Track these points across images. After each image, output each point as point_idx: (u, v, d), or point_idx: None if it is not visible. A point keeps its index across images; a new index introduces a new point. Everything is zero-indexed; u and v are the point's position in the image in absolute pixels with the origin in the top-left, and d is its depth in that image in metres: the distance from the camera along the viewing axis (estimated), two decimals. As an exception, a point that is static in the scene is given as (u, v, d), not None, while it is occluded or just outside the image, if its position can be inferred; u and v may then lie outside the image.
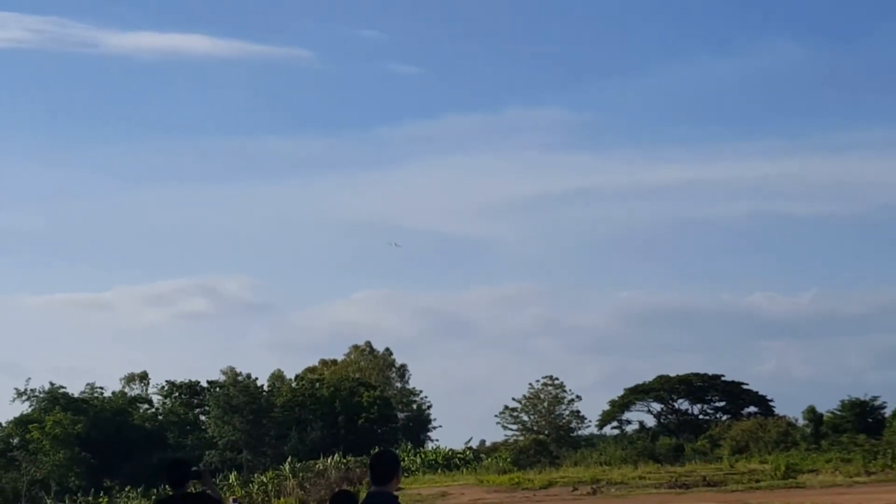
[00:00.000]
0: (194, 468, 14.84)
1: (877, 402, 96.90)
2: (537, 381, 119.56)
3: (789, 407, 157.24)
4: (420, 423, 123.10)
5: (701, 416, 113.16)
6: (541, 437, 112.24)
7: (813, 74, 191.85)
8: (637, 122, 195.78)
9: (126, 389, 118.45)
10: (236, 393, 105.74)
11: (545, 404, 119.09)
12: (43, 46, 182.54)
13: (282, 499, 73.37)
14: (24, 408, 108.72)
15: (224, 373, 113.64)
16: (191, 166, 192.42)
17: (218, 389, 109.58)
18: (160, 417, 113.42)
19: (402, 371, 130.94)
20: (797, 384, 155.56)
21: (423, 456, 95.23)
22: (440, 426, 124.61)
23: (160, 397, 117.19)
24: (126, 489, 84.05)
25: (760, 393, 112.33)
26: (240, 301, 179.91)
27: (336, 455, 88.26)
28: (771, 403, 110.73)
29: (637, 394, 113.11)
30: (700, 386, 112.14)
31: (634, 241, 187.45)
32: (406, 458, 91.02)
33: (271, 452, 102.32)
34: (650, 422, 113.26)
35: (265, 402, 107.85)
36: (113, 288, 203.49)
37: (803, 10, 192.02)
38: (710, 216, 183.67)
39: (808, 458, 77.76)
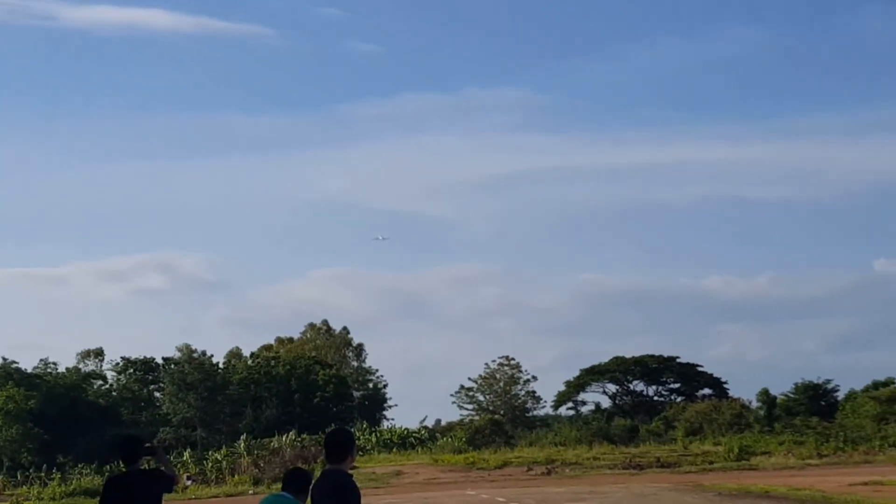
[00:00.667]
0: (148, 445, 14.71)
1: (830, 386, 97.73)
2: (493, 361, 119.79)
3: (743, 389, 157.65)
4: (376, 402, 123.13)
5: (656, 398, 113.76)
6: (496, 417, 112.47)
7: (772, 59, 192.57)
8: (597, 104, 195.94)
9: (81, 366, 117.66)
10: (191, 370, 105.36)
11: (501, 384, 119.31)
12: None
13: (236, 476, 73.17)
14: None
15: (179, 350, 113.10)
16: (148, 142, 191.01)
17: (173, 366, 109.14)
18: (114, 394, 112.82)
19: (359, 350, 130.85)
20: (752, 367, 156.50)
21: (378, 435, 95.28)
22: (396, 405, 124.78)
23: (115, 374, 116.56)
24: (79, 465, 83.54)
25: (715, 375, 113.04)
26: (197, 278, 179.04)
27: (291, 433, 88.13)
28: (725, 386, 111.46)
29: (593, 375, 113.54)
30: (655, 368, 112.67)
31: (593, 223, 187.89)
32: (361, 437, 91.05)
33: (226, 430, 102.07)
34: (605, 403, 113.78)
35: (220, 380, 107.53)
36: (69, 263, 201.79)
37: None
38: (668, 199, 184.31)
39: (761, 441, 78.33)
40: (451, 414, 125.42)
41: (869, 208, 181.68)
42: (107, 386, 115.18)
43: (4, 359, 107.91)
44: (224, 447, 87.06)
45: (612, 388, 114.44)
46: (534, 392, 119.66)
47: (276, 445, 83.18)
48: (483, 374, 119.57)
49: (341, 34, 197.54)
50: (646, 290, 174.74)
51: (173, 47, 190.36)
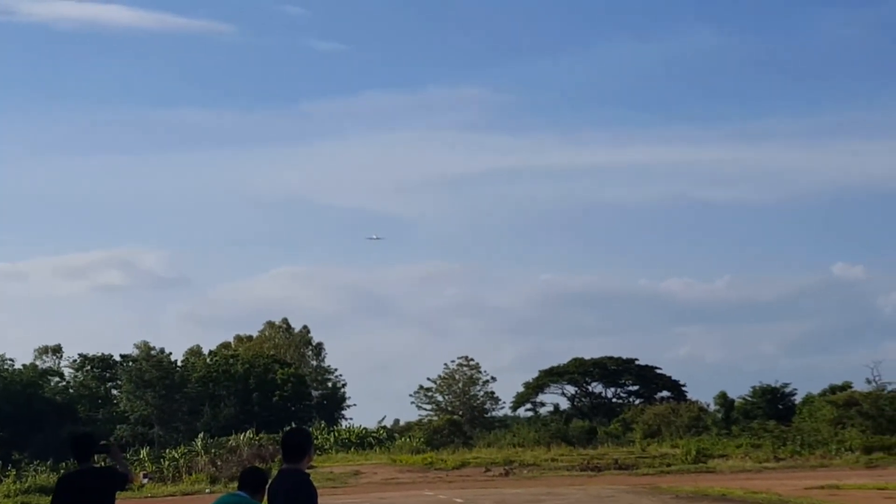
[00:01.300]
0: (103, 442, 14.55)
1: (787, 389, 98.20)
2: (453, 361, 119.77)
3: (701, 392, 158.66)
4: (334, 402, 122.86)
5: (614, 400, 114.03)
6: (455, 417, 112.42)
7: (731, 62, 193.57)
8: (557, 104, 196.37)
9: (38, 362, 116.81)
10: (149, 367, 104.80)
11: (460, 385, 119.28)
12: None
13: (193, 475, 72.76)
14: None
15: (138, 347, 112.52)
16: (109, 137, 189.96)
17: (131, 364, 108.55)
18: (71, 391, 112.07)
19: (318, 349, 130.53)
20: (710, 370, 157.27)
21: (336, 434, 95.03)
22: (354, 405, 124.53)
23: (72, 371, 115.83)
24: (35, 463, 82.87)
25: (673, 378, 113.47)
26: (156, 275, 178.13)
27: (249, 432, 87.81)
28: (683, 388, 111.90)
29: (552, 376, 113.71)
30: (614, 370, 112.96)
31: (553, 224, 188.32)
32: (319, 437, 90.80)
33: (184, 428, 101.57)
34: (564, 404, 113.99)
35: (179, 378, 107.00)
36: (27, 259, 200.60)
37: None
38: (628, 200, 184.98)
39: (718, 443, 78.60)
40: (409, 414, 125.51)
41: (827, 211, 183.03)
42: (64, 383, 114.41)
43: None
44: (181, 445, 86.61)
45: (570, 389, 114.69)
46: (492, 393, 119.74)
47: (233, 444, 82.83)
48: (442, 375, 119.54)
49: (303, 32, 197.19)
50: (605, 291, 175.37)
51: (133, 42, 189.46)
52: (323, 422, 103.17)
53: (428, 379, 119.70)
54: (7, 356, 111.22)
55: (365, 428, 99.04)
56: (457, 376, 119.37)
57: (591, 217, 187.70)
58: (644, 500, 46.19)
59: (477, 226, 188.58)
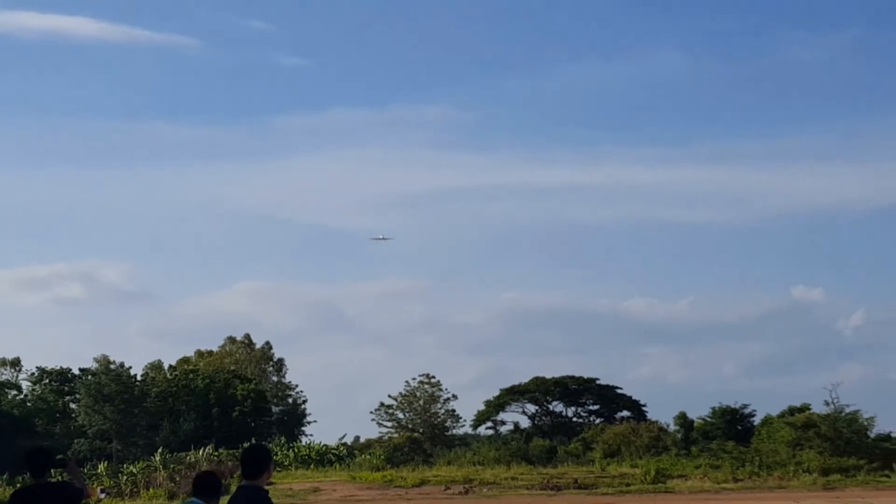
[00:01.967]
0: (60, 457, 14.42)
1: (747, 410, 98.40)
2: (414, 378, 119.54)
3: (662, 412, 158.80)
4: (295, 418, 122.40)
5: (575, 419, 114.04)
6: (415, 435, 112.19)
7: (698, 84, 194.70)
8: (524, 122, 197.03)
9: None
10: (108, 381, 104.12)
11: (421, 402, 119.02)
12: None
13: (151, 490, 72.36)
14: None
15: (97, 361, 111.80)
16: (74, 149, 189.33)
17: (90, 377, 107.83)
18: (29, 404, 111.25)
19: (279, 364, 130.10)
20: (671, 390, 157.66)
21: (296, 451, 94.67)
22: (315, 421, 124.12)
23: (30, 384, 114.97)
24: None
25: (634, 398, 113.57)
26: (118, 288, 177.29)
27: (208, 447, 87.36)
28: (644, 408, 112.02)
29: (512, 394, 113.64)
30: (575, 389, 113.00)
31: (517, 242, 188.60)
32: (279, 453, 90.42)
33: (142, 443, 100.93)
34: (525, 423, 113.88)
35: (138, 392, 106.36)
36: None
37: (690, 20, 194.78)
38: (592, 219, 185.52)
39: (677, 464, 78.74)
40: (370, 431, 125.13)
41: (789, 234, 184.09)
42: (21, 396, 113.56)
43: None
44: (140, 460, 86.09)
45: (531, 408, 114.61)
46: (453, 411, 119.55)
47: (192, 459, 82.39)
48: (403, 392, 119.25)
49: (269, 47, 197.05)
50: (568, 310, 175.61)
51: (98, 55, 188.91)
52: (283, 438, 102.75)
53: (389, 396, 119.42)
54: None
55: (325, 445, 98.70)
56: (418, 394, 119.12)
57: (555, 236, 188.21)
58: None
59: (441, 244, 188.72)
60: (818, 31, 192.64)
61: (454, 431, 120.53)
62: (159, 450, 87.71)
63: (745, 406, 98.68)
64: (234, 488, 12.40)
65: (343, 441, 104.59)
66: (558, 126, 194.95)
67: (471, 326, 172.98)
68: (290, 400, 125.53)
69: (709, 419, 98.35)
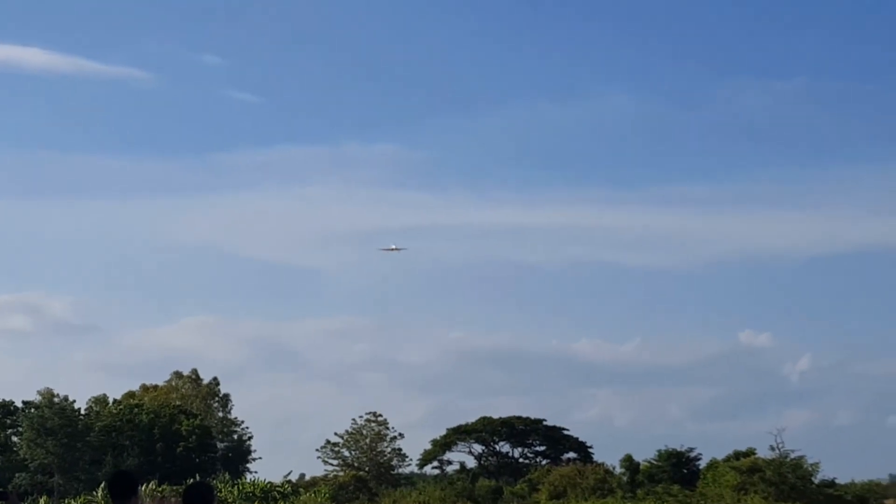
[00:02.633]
0: (0, 490, 14.26)
1: (692, 454, 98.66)
2: (361, 416, 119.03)
3: (608, 454, 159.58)
4: (240, 454, 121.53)
5: (521, 460, 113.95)
6: (361, 473, 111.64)
7: (647, 128, 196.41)
8: (473, 163, 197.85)
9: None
10: (52, 415, 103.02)
11: (367, 441, 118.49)
12: None
13: (92, 525, 71.58)
14: None
15: (40, 394, 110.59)
16: (19, 180, 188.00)
17: (33, 410, 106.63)
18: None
19: (225, 400, 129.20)
20: (617, 432, 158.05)
21: (240, 487, 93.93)
22: (260, 458, 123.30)
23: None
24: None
25: (580, 439, 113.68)
26: (63, 321, 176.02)
27: (152, 483, 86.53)
28: (590, 450, 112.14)
29: (460, 434, 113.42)
30: (522, 429, 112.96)
31: (465, 282, 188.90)
32: (223, 490, 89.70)
33: (85, 478, 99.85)
34: (471, 463, 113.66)
35: (82, 426, 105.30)
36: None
37: (639, 65, 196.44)
38: (541, 261, 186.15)
39: (623, 506, 78.68)
40: (315, 469, 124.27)
41: (737, 279, 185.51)
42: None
43: None
44: (82, 495, 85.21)
45: (478, 448, 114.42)
46: (399, 449, 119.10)
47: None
48: (350, 430, 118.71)
49: (220, 82, 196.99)
50: (516, 350, 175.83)
51: (48, 86, 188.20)
52: (227, 474, 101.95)
53: (335, 434, 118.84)
54: None
55: (270, 482, 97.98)
56: (364, 432, 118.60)
57: (504, 276, 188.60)
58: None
59: (389, 282, 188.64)
60: (765, 79, 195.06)
61: (400, 470, 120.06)
62: (101, 485, 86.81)
63: (691, 450, 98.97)
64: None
65: (288, 478, 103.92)
66: (507, 167, 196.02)
67: (418, 365, 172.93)
68: (236, 436, 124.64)
69: (655, 462, 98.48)
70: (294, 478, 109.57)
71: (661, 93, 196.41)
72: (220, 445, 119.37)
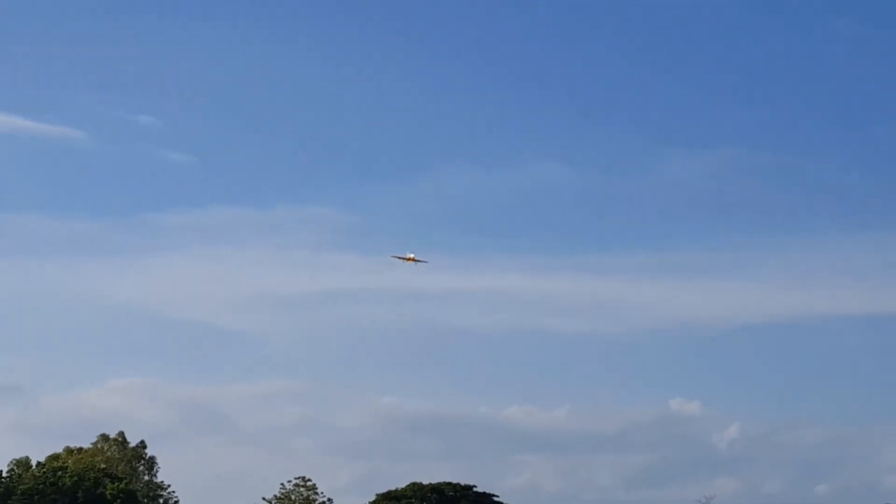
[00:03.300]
0: None
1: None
2: (290, 481, 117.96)
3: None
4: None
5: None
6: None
7: (579, 196, 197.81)
8: (405, 227, 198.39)
9: None
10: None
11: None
12: None
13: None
14: None
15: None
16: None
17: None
18: None
19: (151, 463, 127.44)
20: (548, 499, 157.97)
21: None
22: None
23: None
24: None
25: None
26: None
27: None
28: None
29: (389, 500, 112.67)
30: (452, 496, 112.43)
31: (397, 346, 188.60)
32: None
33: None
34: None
35: (3, 490, 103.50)
36: None
37: (572, 132, 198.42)
38: (473, 326, 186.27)
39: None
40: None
41: (667, 347, 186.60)
42: None
43: None
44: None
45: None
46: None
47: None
48: (278, 495, 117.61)
49: (155, 142, 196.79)
50: (447, 416, 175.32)
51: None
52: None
53: (263, 499, 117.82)
54: None
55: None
56: (293, 497, 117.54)
57: (436, 341, 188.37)
58: None
59: (320, 345, 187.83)
60: (697, 149, 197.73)
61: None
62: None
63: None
64: None
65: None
66: (440, 232, 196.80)
67: (348, 429, 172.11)
68: (162, 500, 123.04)
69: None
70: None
71: (595, 161, 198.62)
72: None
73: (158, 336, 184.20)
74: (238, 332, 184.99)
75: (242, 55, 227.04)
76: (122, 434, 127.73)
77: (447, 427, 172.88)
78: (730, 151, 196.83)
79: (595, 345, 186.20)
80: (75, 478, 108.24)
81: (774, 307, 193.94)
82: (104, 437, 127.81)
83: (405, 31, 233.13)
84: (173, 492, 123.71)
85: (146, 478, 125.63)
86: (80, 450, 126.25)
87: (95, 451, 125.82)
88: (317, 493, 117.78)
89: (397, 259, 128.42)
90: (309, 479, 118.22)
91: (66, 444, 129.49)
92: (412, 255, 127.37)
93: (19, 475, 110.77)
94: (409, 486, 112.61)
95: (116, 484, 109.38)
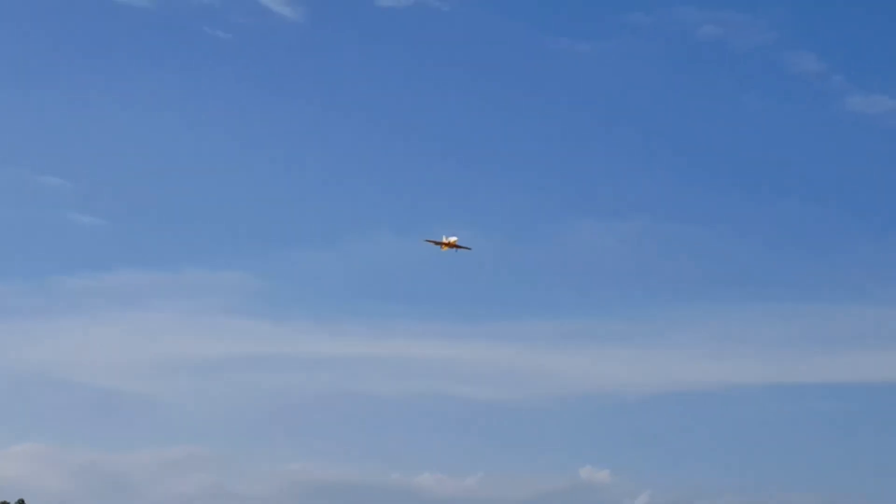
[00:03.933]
0: None
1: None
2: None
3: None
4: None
5: None
6: None
7: (490, 264, 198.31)
8: (318, 293, 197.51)
9: None
10: None
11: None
12: None
13: None
14: None
15: None
16: None
17: None
18: None
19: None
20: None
21: None
22: None
23: None
24: None
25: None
26: None
27: None
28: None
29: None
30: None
31: (307, 412, 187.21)
32: None
33: None
34: None
35: None
36: None
37: (482, 199, 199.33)
38: (384, 392, 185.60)
39: None
40: None
41: (577, 415, 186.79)
42: None
43: None
44: None
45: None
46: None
47: None
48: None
49: (62, 204, 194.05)
50: (356, 483, 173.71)
51: None
52: None
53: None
54: None
55: None
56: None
57: (346, 408, 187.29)
58: None
59: (228, 411, 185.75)
60: (605, 219, 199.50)
61: None
62: None
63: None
64: None
65: None
66: (351, 298, 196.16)
67: (256, 497, 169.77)
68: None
69: None
70: None
71: (504, 229, 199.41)
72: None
73: (63, 401, 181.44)
74: (145, 397, 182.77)
75: (154, 118, 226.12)
76: (21, 501, 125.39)
77: (357, 494, 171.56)
78: (639, 222, 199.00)
79: (506, 412, 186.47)
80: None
81: (683, 376, 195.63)
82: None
83: (314, 99, 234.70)
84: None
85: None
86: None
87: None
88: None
89: (433, 244, 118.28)
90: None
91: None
92: (454, 239, 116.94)
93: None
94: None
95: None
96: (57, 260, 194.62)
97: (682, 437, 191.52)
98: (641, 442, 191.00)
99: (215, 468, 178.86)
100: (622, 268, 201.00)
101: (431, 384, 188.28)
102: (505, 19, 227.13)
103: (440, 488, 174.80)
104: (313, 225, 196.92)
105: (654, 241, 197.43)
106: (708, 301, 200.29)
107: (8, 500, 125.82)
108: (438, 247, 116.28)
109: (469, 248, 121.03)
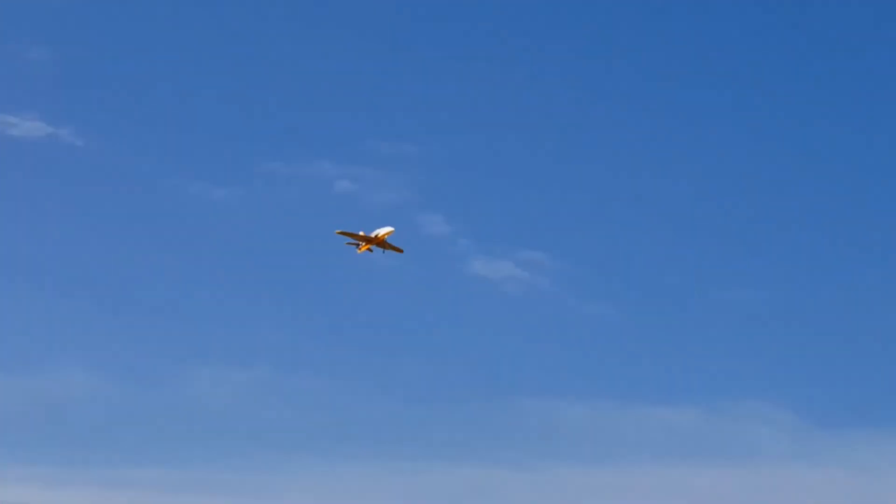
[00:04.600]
0: None
1: None
2: None
3: None
4: None
5: None
6: None
7: (103, 409, 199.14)
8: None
9: None
10: None
11: None
12: None
13: None
14: None
15: None
16: None
17: None
18: None
19: None
20: None
21: None
22: None
23: None
24: None
25: None
26: None
27: None
28: None
29: None
30: None
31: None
32: None
33: None
34: None
35: None
36: None
37: (98, 343, 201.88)
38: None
39: None
40: None
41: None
42: None
43: None
44: None
45: None
46: None
47: None
48: None
49: None
50: None
51: None
52: None
53: None
54: None
55: None
56: None
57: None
58: None
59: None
60: (226, 367, 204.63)
61: None
62: None
63: None
64: None
65: None
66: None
67: None
68: None
69: None
70: None
71: (125, 374, 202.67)
72: None
73: None
74: None
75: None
76: None
77: None
78: (261, 371, 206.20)
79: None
80: None
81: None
82: None
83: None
84: None
85: None
86: None
87: None
88: None
89: (349, 238, 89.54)
90: None
91: None
92: (384, 232, 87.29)
93: None
94: None
95: None
96: None
97: None
98: None
99: None
100: (236, 419, 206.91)
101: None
102: (141, 159, 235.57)
103: None
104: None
105: (272, 393, 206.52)
106: (325, 455, 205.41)
107: None
108: (354, 246, 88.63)
109: (402, 251, 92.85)
